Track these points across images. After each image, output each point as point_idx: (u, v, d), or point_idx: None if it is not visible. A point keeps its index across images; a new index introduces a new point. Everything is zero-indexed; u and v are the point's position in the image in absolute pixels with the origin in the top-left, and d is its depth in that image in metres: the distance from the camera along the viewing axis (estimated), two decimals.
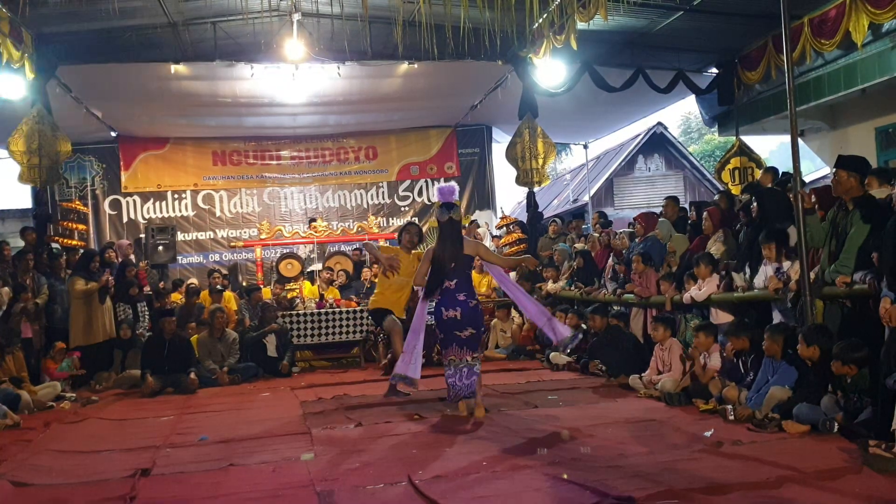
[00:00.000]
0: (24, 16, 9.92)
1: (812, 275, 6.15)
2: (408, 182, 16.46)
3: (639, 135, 22.41)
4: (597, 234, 11.18)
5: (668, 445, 5.31)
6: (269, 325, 10.75)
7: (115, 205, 15.49)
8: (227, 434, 6.55)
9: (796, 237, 6.36)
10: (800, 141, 6.88)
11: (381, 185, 16.32)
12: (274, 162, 16.09)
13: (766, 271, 6.91)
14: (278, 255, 14.52)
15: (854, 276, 5.81)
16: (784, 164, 12.42)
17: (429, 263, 6.66)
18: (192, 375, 9.52)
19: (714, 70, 13.39)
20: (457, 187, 6.86)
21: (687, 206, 10.59)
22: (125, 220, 15.46)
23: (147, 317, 11.16)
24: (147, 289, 11.88)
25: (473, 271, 13.52)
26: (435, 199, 16.34)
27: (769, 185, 9.16)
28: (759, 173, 12.32)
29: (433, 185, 16.47)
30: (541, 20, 10.74)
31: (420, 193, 16.48)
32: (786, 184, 8.17)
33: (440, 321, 6.62)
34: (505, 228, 13.55)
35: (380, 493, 4.48)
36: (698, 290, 7.73)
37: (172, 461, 5.65)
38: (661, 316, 8.05)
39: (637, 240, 9.82)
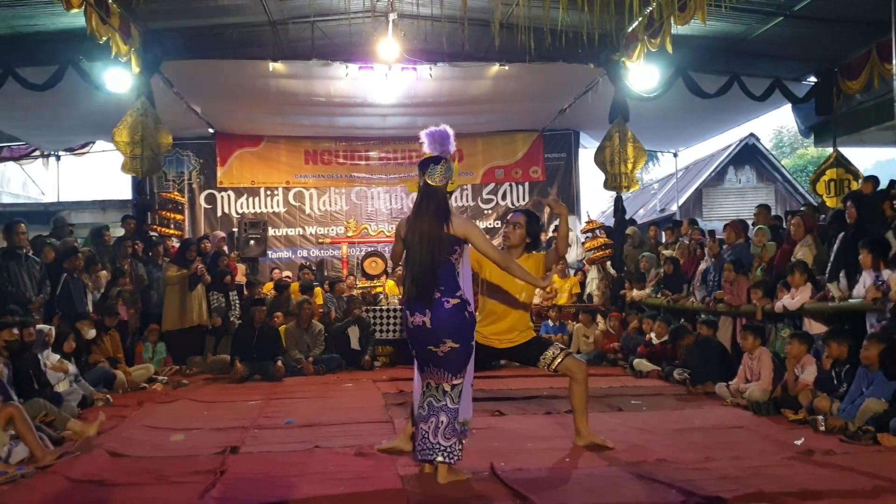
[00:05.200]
0: (134, 11, 10.33)
1: None
2: (492, 185, 16.49)
3: (730, 145, 21.90)
4: (687, 242, 10.97)
5: (757, 452, 5.17)
6: (352, 315, 10.91)
7: (211, 199, 15.94)
8: (313, 419, 6.68)
9: None
10: None
11: (465, 187, 16.36)
12: (363, 162, 16.32)
13: (864, 280, 6.67)
14: (363, 252, 14.73)
15: None
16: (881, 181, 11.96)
17: (401, 243, 4.74)
18: (279, 364, 9.72)
19: (812, 79, 12.98)
20: (450, 132, 4.66)
21: (782, 215, 10.32)
22: (219, 213, 15.89)
23: (238, 305, 11.44)
24: (239, 278, 12.20)
25: (554, 275, 13.65)
26: (515, 203, 16.35)
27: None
28: (855, 185, 11.91)
29: (517, 188, 16.47)
30: (636, 23, 10.63)
31: (504, 197, 16.48)
32: (888, 192, 7.87)
33: (407, 331, 4.67)
34: (591, 233, 13.39)
35: (463, 480, 4.47)
36: (791, 299, 7.51)
37: (260, 441, 5.79)
38: (751, 325, 7.85)
39: (725, 247, 9.61)
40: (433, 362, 4.51)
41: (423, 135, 4.64)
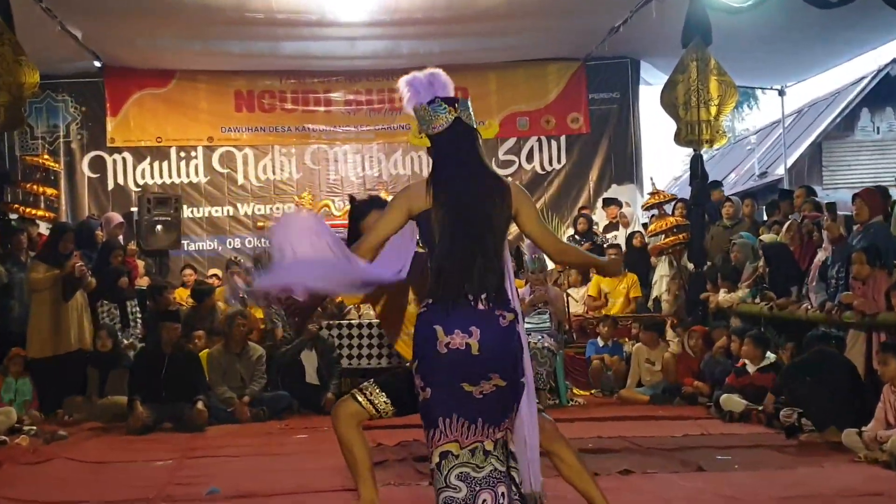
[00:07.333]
0: None
1: None
2: (512, 141, 16.50)
3: (863, 77, 21.81)
4: (799, 220, 10.93)
5: None
6: (306, 333, 10.90)
7: (98, 164, 15.94)
8: (248, 487, 6.67)
9: None
10: None
11: None
12: (321, 108, 16.36)
13: None
14: None
15: None
16: None
17: (400, 218, 4.34)
18: (200, 406, 9.70)
19: None
20: (447, 79, 4.47)
21: None
22: (110, 186, 15.90)
23: (139, 321, 11.42)
24: (140, 281, 12.16)
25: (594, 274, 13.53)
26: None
27: None
28: None
29: (551, 145, 16.43)
30: None
31: (530, 157, 16.50)
32: None
33: (430, 358, 4.23)
34: (657, 210, 13.36)
35: None
36: None
37: None
38: (894, 343, 7.82)
39: (855, 228, 9.58)
40: (463, 411, 4.16)
41: (403, 83, 4.45)
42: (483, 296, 4.15)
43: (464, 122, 4.36)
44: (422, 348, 4.19)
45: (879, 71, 21.53)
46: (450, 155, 4.35)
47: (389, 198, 4.82)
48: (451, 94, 4.43)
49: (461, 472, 4.09)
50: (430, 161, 4.46)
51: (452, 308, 4.14)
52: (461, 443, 4.10)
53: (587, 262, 4.82)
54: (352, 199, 5.33)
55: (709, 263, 12.22)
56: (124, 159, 15.97)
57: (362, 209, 5.06)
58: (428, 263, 4.36)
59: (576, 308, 12.79)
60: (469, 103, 4.41)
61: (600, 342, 11.92)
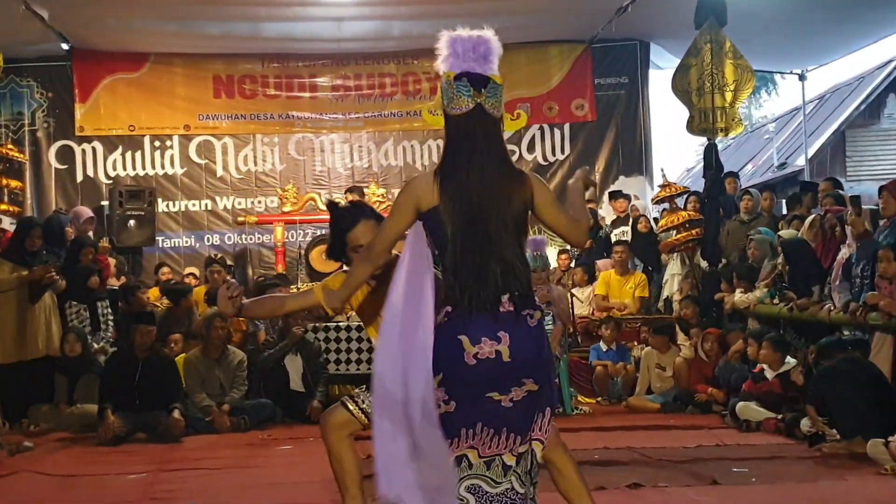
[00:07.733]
0: None
1: None
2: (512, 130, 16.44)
3: (889, 61, 21.85)
4: (822, 214, 10.93)
5: None
6: (291, 337, 10.89)
7: (66, 154, 15.95)
8: (227, 502, 6.71)
9: None
10: None
11: None
12: (306, 94, 16.37)
13: None
14: (309, 237, 14.69)
15: None
16: None
17: (409, 217, 4.22)
18: (176, 414, 9.65)
19: None
20: (496, 44, 4.24)
21: None
22: (80, 178, 15.91)
23: (111, 323, 11.42)
24: (112, 281, 12.15)
25: (611, 269, 13.52)
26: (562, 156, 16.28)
27: None
28: None
29: (554, 134, 16.42)
30: None
31: (531, 147, 16.52)
32: None
33: (458, 372, 4.12)
34: (668, 204, 13.35)
35: None
36: None
37: None
38: None
39: (882, 223, 9.58)
40: (488, 420, 4.08)
41: (445, 40, 4.20)
42: (506, 297, 4.05)
43: (486, 110, 4.16)
44: (447, 362, 4.05)
45: None
46: (463, 141, 4.19)
47: (379, 191, 4.77)
48: (493, 66, 4.21)
49: (473, 484, 4.04)
50: (443, 144, 4.30)
51: (475, 314, 4.03)
52: (479, 451, 4.04)
53: (588, 211, 4.71)
54: (331, 205, 5.11)
55: (724, 261, 12.22)
56: (94, 149, 15.97)
57: (347, 220, 4.84)
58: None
59: (581, 309, 12.77)
60: (500, 89, 4.23)
61: (603, 346, 11.89)
